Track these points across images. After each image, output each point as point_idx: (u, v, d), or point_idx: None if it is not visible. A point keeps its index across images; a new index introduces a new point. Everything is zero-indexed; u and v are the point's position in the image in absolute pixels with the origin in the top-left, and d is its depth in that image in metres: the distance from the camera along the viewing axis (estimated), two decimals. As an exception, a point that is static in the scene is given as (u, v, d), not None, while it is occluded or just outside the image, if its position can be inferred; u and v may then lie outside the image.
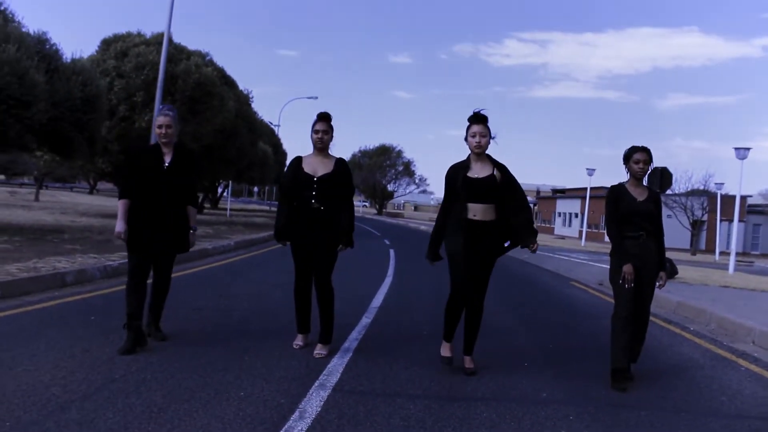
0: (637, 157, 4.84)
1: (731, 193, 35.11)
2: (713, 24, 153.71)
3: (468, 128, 4.69)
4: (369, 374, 4.55)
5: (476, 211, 4.61)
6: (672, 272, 12.96)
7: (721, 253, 38.38)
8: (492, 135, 4.69)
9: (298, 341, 5.16)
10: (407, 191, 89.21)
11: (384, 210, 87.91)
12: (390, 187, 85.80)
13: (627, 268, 4.70)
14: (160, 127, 4.96)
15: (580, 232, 46.49)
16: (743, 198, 47.46)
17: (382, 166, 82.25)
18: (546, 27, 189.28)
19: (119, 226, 4.84)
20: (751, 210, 50.72)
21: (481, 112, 4.69)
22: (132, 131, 19.73)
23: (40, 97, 11.95)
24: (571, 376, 4.99)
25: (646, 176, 4.95)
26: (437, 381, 4.54)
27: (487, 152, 4.72)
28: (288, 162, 5.45)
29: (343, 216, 4.97)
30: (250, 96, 26.18)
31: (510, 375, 4.85)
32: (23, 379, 3.87)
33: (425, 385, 4.43)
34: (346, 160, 5.52)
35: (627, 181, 4.98)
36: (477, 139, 4.63)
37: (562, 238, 50.99)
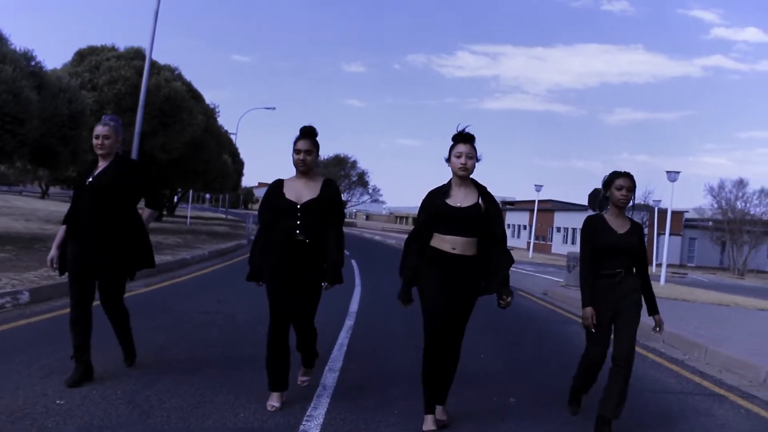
0: (619, 183, 4.33)
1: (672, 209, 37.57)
2: (657, 43, 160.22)
3: (452, 148, 4.09)
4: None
5: (456, 243, 3.99)
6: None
7: (657, 265, 40.78)
8: (478, 157, 4.10)
9: (274, 401, 4.25)
10: (360, 201, 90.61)
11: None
12: (344, 197, 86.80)
13: (587, 312, 4.28)
14: (96, 137, 4.57)
15: (528, 244, 48.48)
16: (680, 213, 50.34)
17: (337, 176, 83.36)
18: (498, 40, 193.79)
19: (51, 252, 4.62)
20: (687, 224, 53.61)
21: (466, 129, 4.10)
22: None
23: (33, 114, 12.78)
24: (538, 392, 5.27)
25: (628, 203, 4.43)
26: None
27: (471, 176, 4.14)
28: (259, 183, 5.00)
29: (330, 248, 4.34)
30: (216, 110, 27.13)
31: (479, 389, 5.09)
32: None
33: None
34: None
35: (606, 211, 4.48)
36: (463, 159, 4.02)
37: (512, 248, 52.87)
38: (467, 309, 4.13)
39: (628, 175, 4.39)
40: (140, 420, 3.84)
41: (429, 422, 4.09)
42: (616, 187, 4.33)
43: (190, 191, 39.08)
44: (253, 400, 4.36)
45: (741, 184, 47.50)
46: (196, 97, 24.57)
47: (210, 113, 25.83)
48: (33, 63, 14.48)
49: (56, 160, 14.37)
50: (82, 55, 22.12)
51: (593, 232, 4.38)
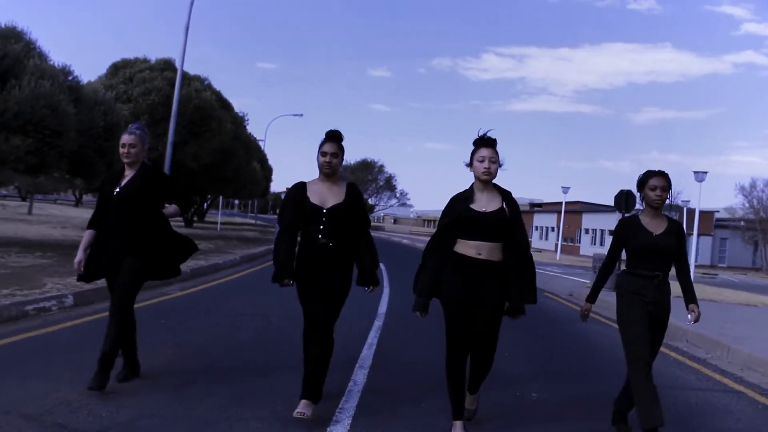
0: (653, 183, 4.21)
1: (702, 209, 37.31)
2: (686, 41, 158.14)
3: (474, 152, 4.07)
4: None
5: (482, 249, 3.95)
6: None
7: (688, 266, 40.35)
8: (501, 161, 4.06)
9: (304, 409, 4.12)
10: (388, 205, 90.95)
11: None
12: (371, 201, 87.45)
13: (585, 305, 4.45)
14: (123, 146, 4.61)
15: (556, 245, 48.34)
16: (710, 213, 49.74)
17: (364, 180, 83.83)
18: (523, 42, 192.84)
19: (77, 256, 4.64)
20: (718, 224, 52.95)
21: (488, 134, 4.08)
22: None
23: (70, 127, 13.30)
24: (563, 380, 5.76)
25: (663, 204, 4.30)
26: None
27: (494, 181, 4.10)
28: (287, 188, 4.65)
29: (364, 253, 4.36)
30: (246, 118, 27.70)
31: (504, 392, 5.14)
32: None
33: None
34: None
35: (641, 212, 4.37)
36: (486, 164, 3.98)
37: (539, 251, 52.80)
38: (497, 312, 4.04)
39: (662, 174, 4.24)
40: (186, 414, 4.16)
41: (458, 429, 4.02)
42: (650, 188, 4.21)
43: (220, 198, 39.78)
44: (289, 397, 4.56)
45: (773, 182, 46.75)
46: (226, 106, 25.16)
47: (239, 121, 26.40)
48: (70, 78, 15.05)
49: (92, 170, 14.90)
50: (116, 68, 22.87)
51: (626, 234, 4.27)
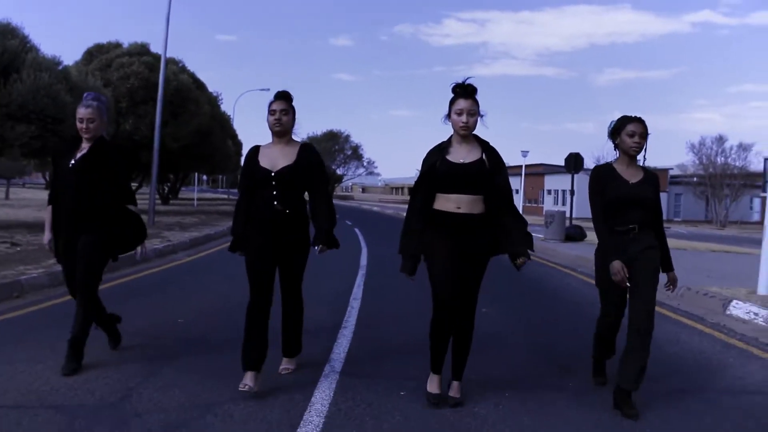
0: (631, 128, 3.89)
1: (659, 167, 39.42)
2: (645, 1, 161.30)
3: (452, 102, 3.76)
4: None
5: (461, 202, 3.72)
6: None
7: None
8: (481, 113, 3.77)
9: (248, 381, 3.90)
10: (356, 174, 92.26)
11: (334, 193, 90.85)
12: (339, 171, 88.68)
13: (616, 266, 3.78)
14: (80, 120, 4.21)
15: (521, 207, 50.46)
16: (664, 170, 52.29)
17: (331, 151, 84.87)
18: (484, 6, 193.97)
19: (45, 236, 4.47)
20: (672, 181, 55.52)
21: (467, 81, 3.75)
22: (118, 134, 22.20)
23: (69, 114, 14.50)
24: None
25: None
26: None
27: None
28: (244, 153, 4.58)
29: (319, 212, 4.18)
30: (220, 98, 28.84)
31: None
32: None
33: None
34: None
35: (615, 160, 4.07)
36: (464, 117, 3.69)
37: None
38: (479, 272, 3.85)
39: (639, 120, 3.93)
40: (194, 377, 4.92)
41: (434, 384, 3.88)
42: (628, 134, 3.91)
43: (196, 174, 40.87)
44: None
45: (720, 140, 49.25)
46: (200, 86, 26.26)
47: (213, 101, 27.56)
48: (60, 68, 16.15)
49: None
50: (91, 54, 23.76)
51: (602, 182, 3.96)
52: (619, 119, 4.00)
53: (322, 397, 3.94)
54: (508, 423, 3.65)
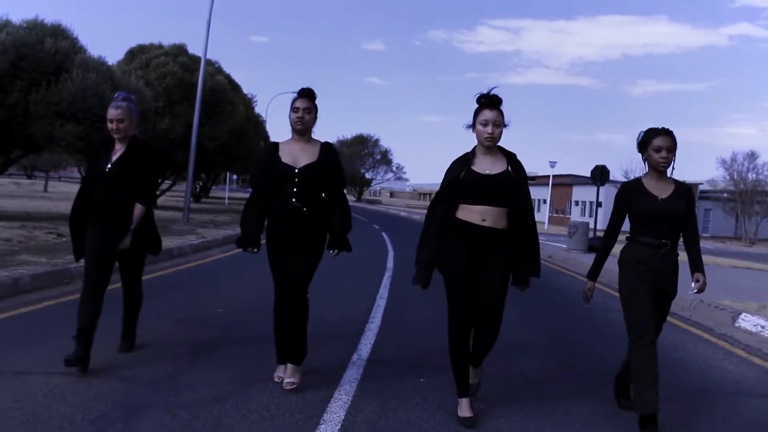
0: (658, 143, 3.77)
1: (688, 181, 39.08)
2: (682, 13, 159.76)
3: (477, 113, 3.72)
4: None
5: (486, 214, 3.66)
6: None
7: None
8: (505, 122, 3.72)
9: (281, 373, 4.21)
10: (384, 179, 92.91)
11: (362, 197, 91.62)
12: (368, 175, 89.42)
13: (587, 284, 3.98)
14: (110, 121, 4.27)
15: (548, 217, 50.52)
16: (695, 185, 51.92)
17: (360, 154, 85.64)
18: (518, 14, 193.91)
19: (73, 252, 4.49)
20: (702, 196, 55.07)
21: (493, 92, 3.71)
22: (155, 132, 22.99)
23: (113, 114, 15.24)
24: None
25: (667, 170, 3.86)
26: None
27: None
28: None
29: (336, 215, 4.16)
30: (254, 99, 29.64)
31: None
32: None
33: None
34: None
35: (644, 175, 3.96)
36: (489, 129, 3.65)
37: (530, 222, 54.86)
38: (503, 284, 3.74)
39: (667, 133, 3.79)
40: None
41: (465, 408, 3.77)
42: (654, 149, 3.78)
43: (227, 174, 41.79)
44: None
45: (752, 156, 48.80)
46: (235, 88, 27.04)
47: (248, 102, 28.33)
48: (104, 68, 16.92)
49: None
50: (133, 54, 24.61)
51: (627, 200, 3.88)
52: (646, 132, 3.87)
53: (349, 378, 4.44)
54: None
